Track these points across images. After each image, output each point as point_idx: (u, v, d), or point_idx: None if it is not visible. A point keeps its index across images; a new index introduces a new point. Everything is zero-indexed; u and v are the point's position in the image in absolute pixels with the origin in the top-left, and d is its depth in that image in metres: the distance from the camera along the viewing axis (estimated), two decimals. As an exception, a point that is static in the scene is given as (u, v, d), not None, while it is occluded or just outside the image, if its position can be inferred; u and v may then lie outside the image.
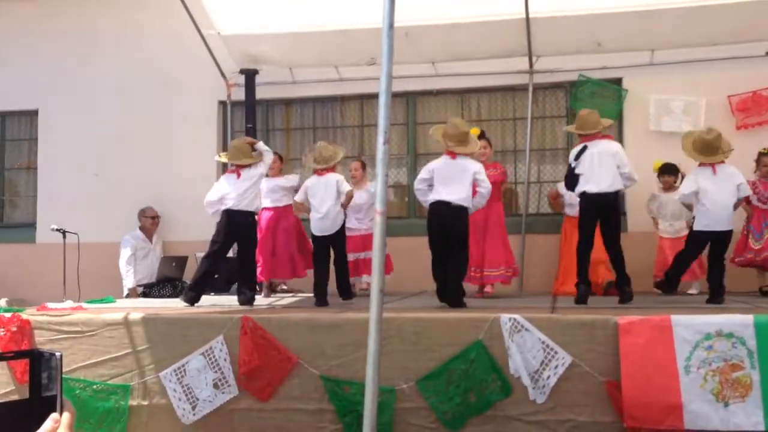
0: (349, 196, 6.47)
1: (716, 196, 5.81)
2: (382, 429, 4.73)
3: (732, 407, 4.33)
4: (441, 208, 5.79)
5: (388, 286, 7.29)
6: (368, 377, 3.55)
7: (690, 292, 6.95)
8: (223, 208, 6.27)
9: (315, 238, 6.40)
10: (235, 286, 7.52)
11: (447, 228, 5.80)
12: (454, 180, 5.81)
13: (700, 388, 4.37)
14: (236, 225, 6.24)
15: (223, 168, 7.81)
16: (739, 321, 4.43)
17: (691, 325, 4.47)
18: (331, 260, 6.47)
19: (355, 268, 7.19)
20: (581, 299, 5.86)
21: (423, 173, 5.97)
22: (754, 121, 7.51)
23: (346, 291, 6.56)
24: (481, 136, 6.89)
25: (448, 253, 5.85)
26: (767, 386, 4.29)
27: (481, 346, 4.75)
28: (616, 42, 7.63)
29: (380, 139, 3.84)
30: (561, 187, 7.36)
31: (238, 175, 6.33)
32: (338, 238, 6.41)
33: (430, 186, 5.90)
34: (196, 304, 6.15)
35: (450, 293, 5.77)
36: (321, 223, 6.33)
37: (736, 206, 5.96)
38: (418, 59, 8.07)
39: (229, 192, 6.28)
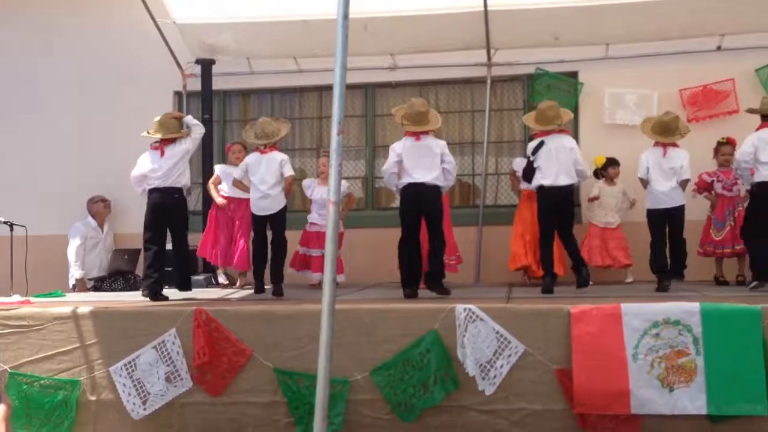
0: (289, 182, 6.31)
1: (663, 177, 6.04)
2: (334, 421, 4.73)
3: (677, 392, 4.43)
4: (416, 189, 5.81)
5: (347, 276, 7.32)
6: (320, 369, 3.53)
7: (627, 281, 7.24)
8: (148, 187, 6.10)
9: (254, 218, 6.26)
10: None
11: (424, 209, 5.84)
12: (424, 160, 5.85)
13: (647, 375, 4.45)
14: (162, 205, 6.04)
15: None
16: (686, 309, 4.52)
17: (640, 314, 4.55)
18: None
19: (318, 263, 7.11)
20: (547, 289, 5.96)
21: (392, 156, 5.95)
22: (705, 114, 7.64)
23: (278, 282, 6.19)
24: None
25: (418, 236, 5.88)
26: (711, 371, 4.40)
27: (436, 336, 4.77)
28: (573, 36, 7.70)
29: (334, 129, 3.84)
30: (516, 163, 7.47)
31: (162, 153, 6.13)
32: (278, 219, 6.22)
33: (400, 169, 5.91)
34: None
35: (435, 278, 5.81)
36: (261, 203, 6.18)
37: (683, 186, 6.14)
38: (377, 51, 8.05)
39: (152, 169, 6.10)
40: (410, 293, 5.80)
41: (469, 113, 8.52)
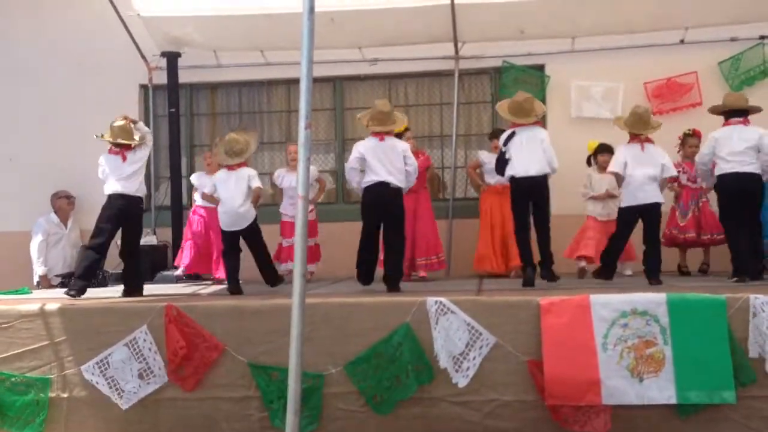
0: (257, 194, 6.31)
1: (642, 171, 5.97)
2: (310, 414, 4.76)
3: (646, 382, 4.50)
4: (380, 189, 5.87)
5: (316, 272, 7.34)
6: (292, 363, 3.53)
7: (626, 273, 7.00)
8: (110, 192, 5.96)
9: (224, 233, 6.21)
10: (159, 274, 7.41)
11: (386, 209, 5.90)
12: (388, 161, 5.90)
13: (616, 365, 4.52)
14: (126, 212, 5.95)
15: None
16: (652, 299, 4.60)
17: (608, 304, 4.62)
18: (241, 252, 6.31)
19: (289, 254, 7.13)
20: (528, 282, 5.90)
21: (354, 154, 6.01)
22: (669, 106, 7.79)
23: (272, 277, 6.33)
24: (407, 128, 7.13)
25: (380, 235, 5.95)
26: (679, 361, 4.49)
27: (408, 330, 4.78)
28: (539, 29, 7.78)
29: (302, 123, 3.84)
30: (483, 155, 7.47)
31: (124, 158, 6.01)
32: (251, 232, 6.21)
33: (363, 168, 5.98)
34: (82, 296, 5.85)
35: (391, 276, 5.89)
36: (229, 219, 6.14)
37: (662, 186, 6.11)
38: (345, 44, 8.04)
39: (114, 175, 5.98)
40: (367, 286, 5.97)
41: (437, 106, 8.56)
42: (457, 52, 8.17)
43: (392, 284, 5.88)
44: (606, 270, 6.18)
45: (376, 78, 8.51)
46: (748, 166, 5.92)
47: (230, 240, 6.19)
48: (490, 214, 7.37)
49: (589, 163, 7.41)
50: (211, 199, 6.44)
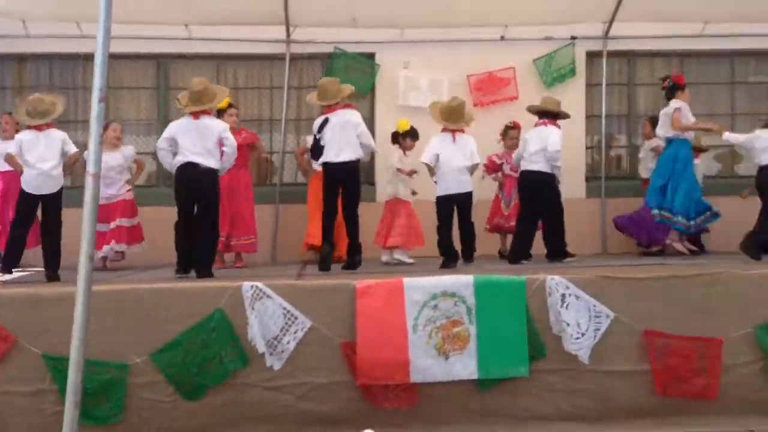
0: (74, 159, 5.95)
1: (453, 161, 6.23)
2: (114, 405, 4.58)
3: (452, 359, 4.67)
4: (189, 170, 5.66)
5: (136, 256, 6.99)
6: (72, 353, 3.25)
7: (407, 261, 6.84)
8: None
9: (27, 195, 5.79)
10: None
11: (196, 191, 5.71)
12: (200, 141, 5.70)
13: (425, 345, 4.66)
14: None
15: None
16: (461, 281, 4.79)
17: (420, 287, 4.75)
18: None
19: (101, 238, 6.72)
20: (324, 260, 5.98)
21: (164, 134, 5.83)
22: (489, 99, 8.13)
23: (53, 265, 5.81)
24: (230, 105, 6.95)
25: (195, 218, 5.74)
26: (482, 339, 4.69)
27: (222, 315, 4.68)
28: (370, 18, 7.80)
29: (95, 96, 3.58)
30: (311, 140, 7.36)
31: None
32: (55, 200, 5.83)
33: (174, 149, 5.74)
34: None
35: (202, 262, 5.68)
36: (38, 180, 5.75)
37: (471, 171, 6.39)
38: (171, 20, 7.66)
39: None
40: (183, 274, 5.71)
41: (267, 90, 8.40)
42: (288, 35, 8.04)
43: (202, 271, 5.66)
44: (451, 258, 6.19)
45: (204, 58, 8.20)
46: (536, 164, 6.48)
47: (29, 206, 5.81)
48: (318, 198, 7.30)
49: (394, 139, 7.17)
50: (15, 162, 5.94)
